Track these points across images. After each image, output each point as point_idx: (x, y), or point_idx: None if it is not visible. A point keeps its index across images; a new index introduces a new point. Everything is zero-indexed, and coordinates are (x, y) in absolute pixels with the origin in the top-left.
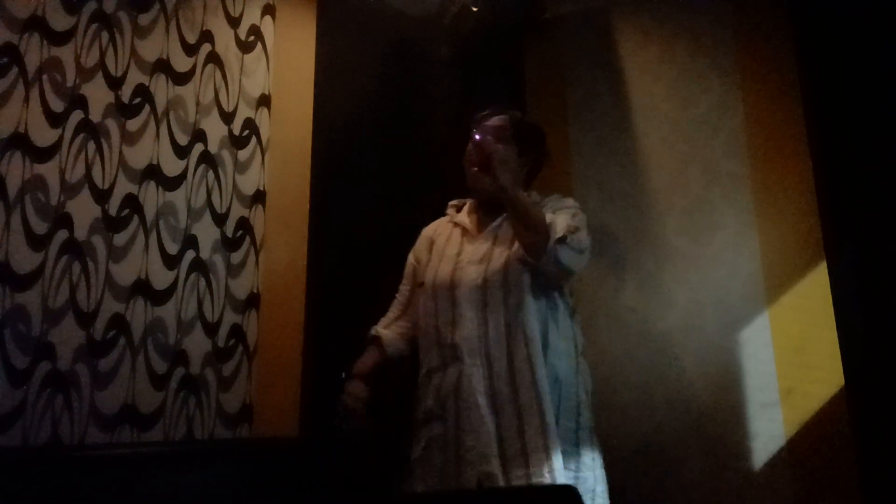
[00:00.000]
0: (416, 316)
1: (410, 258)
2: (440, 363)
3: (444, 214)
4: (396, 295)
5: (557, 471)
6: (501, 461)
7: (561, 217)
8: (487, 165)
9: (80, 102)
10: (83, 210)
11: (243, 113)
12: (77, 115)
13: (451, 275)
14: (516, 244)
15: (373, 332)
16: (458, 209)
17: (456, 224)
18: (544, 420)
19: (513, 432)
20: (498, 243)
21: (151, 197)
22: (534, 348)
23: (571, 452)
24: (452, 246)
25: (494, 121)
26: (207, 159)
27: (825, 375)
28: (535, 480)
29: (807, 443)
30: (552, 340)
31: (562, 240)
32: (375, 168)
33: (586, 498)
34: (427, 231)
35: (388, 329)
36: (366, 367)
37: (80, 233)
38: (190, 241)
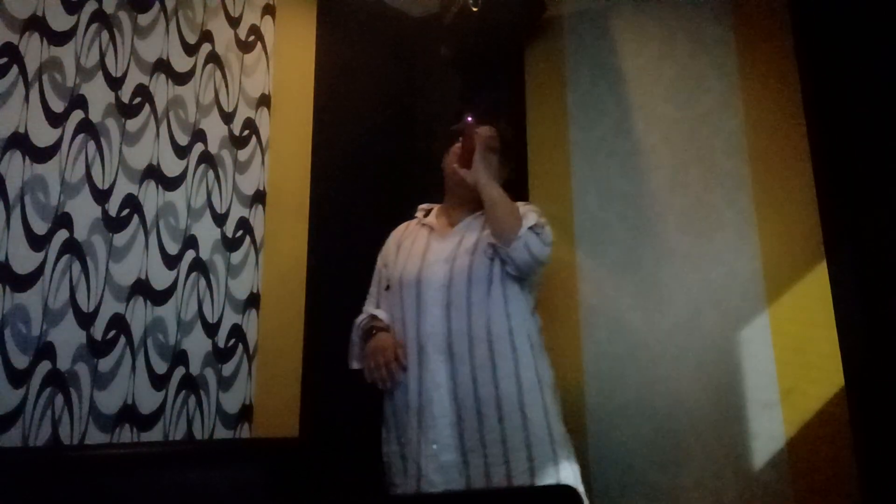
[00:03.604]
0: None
1: (378, 262)
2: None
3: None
4: (367, 297)
5: (514, 461)
6: (460, 452)
7: (530, 212)
8: (468, 160)
9: (80, 102)
10: (83, 210)
11: (243, 113)
12: (77, 115)
13: (417, 273)
14: (484, 236)
15: (368, 314)
16: (427, 213)
17: (424, 225)
18: (502, 412)
19: (472, 424)
20: (464, 242)
21: (151, 197)
22: (496, 343)
23: (535, 444)
24: (419, 245)
25: (485, 129)
26: (207, 159)
27: (825, 375)
28: (492, 471)
29: (807, 443)
30: (515, 336)
31: (533, 228)
32: (375, 168)
33: None
34: (395, 233)
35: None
36: (382, 322)
37: (80, 233)
38: (190, 241)
